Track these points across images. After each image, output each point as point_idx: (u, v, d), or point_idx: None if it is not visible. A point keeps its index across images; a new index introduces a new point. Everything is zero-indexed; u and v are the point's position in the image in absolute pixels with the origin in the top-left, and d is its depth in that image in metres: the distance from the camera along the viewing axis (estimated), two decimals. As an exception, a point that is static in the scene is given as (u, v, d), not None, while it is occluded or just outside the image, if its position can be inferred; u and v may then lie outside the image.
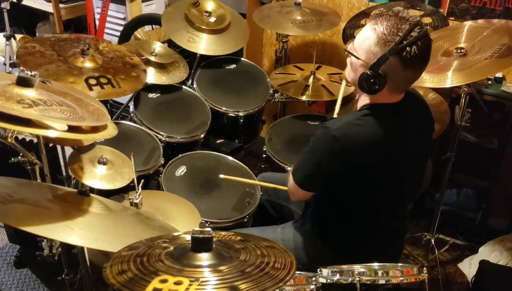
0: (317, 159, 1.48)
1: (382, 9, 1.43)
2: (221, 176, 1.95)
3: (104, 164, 1.66)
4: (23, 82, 1.24)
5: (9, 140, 1.44)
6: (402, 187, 1.58)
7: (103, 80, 1.90)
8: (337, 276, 1.38)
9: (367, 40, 1.40)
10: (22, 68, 1.26)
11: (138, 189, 1.66)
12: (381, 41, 1.36)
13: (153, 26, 3.30)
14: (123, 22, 3.29)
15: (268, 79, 2.66)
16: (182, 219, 1.77)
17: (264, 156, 2.37)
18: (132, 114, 2.33)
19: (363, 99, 1.51)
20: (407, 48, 1.33)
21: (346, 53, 1.51)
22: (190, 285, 0.88)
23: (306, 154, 1.53)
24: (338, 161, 1.43)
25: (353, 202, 1.55)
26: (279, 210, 2.00)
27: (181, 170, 2.14)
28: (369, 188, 1.50)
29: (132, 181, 1.68)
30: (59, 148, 2.35)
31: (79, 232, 1.17)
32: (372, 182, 1.49)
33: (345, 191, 1.52)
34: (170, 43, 2.76)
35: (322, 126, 1.49)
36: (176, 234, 1.21)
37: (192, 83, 2.58)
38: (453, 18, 2.52)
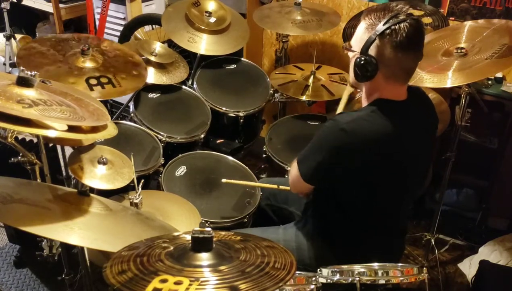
0: (324, 151, 1.47)
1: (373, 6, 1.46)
2: (223, 180, 1.96)
3: (104, 164, 1.66)
4: (23, 82, 1.24)
5: (9, 140, 1.44)
6: (405, 185, 1.58)
7: (103, 80, 1.90)
8: (337, 276, 1.38)
9: (358, 33, 1.45)
10: (22, 68, 1.26)
11: (138, 189, 1.66)
12: (369, 27, 1.40)
13: (153, 26, 3.30)
14: (123, 22, 3.29)
15: (268, 79, 2.66)
16: (182, 219, 1.77)
17: (264, 156, 2.37)
18: (132, 114, 2.33)
19: (366, 96, 1.52)
20: (393, 26, 1.35)
21: (344, 51, 1.53)
22: (190, 285, 0.88)
23: (312, 146, 1.52)
24: (344, 154, 1.43)
25: (356, 200, 1.54)
26: (279, 213, 2.00)
27: (181, 170, 2.14)
28: (373, 186, 1.50)
29: (132, 181, 1.68)
30: (59, 148, 2.35)
31: (79, 232, 1.17)
32: (376, 179, 1.49)
33: (348, 187, 1.52)
34: (170, 43, 2.76)
35: (331, 118, 1.49)
36: (176, 234, 1.21)
37: (192, 83, 2.58)
38: (453, 18, 2.52)
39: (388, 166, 1.47)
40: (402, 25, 1.35)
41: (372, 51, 1.39)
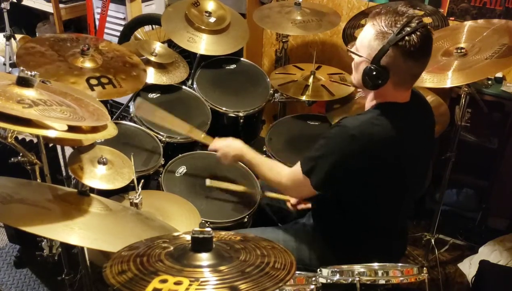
0: (336, 159, 1.45)
1: (381, 7, 1.45)
2: (207, 182, 1.98)
3: (104, 164, 1.66)
4: (23, 82, 1.24)
5: (9, 140, 1.44)
6: (405, 186, 1.58)
7: (104, 80, 1.90)
8: (337, 276, 1.38)
9: (366, 37, 1.42)
10: (22, 68, 1.26)
11: (138, 189, 1.66)
12: (380, 35, 1.38)
13: (153, 26, 3.30)
14: (123, 22, 3.29)
15: (268, 79, 2.66)
16: (182, 219, 1.77)
17: (264, 156, 2.37)
18: (132, 114, 2.33)
19: (371, 99, 1.51)
20: (406, 37, 1.34)
21: (349, 54, 1.51)
22: (190, 285, 0.88)
23: (321, 154, 1.49)
24: (356, 160, 1.43)
25: (356, 201, 1.55)
26: (279, 213, 2.01)
27: (181, 170, 2.14)
28: (374, 186, 1.50)
29: (132, 181, 1.68)
30: (59, 148, 2.35)
31: (79, 232, 1.17)
32: (377, 180, 1.49)
33: (350, 188, 1.51)
34: (170, 43, 2.76)
35: (337, 125, 1.47)
36: (176, 234, 1.21)
37: (192, 83, 2.58)
38: (453, 18, 2.52)
39: (390, 167, 1.48)
40: (415, 35, 1.34)
41: (383, 60, 1.38)
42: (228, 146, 1.87)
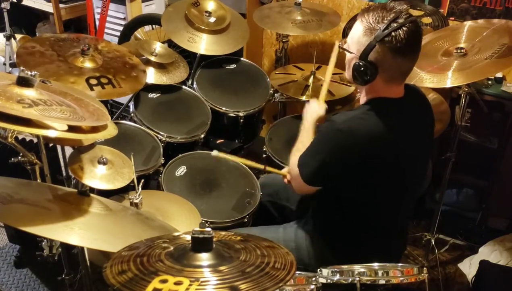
0: (323, 153, 1.48)
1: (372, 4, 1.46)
2: (214, 153, 1.80)
3: (104, 164, 1.66)
4: (23, 82, 1.24)
5: (9, 140, 1.44)
6: (404, 185, 1.58)
7: (103, 80, 1.90)
8: (337, 276, 1.38)
9: (356, 34, 1.44)
10: (22, 68, 1.26)
11: (138, 189, 1.66)
12: (368, 31, 1.39)
13: (153, 26, 3.30)
14: (123, 22, 3.29)
15: (268, 79, 2.66)
16: (182, 219, 1.77)
17: (264, 156, 2.37)
18: (132, 114, 2.33)
19: (364, 95, 1.53)
20: (392, 33, 1.35)
21: (340, 50, 1.53)
22: (190, 285, 0.88)
23: (312, 149, 1.53)
24: (342, 153, 1.44)
25: (355, 200, 1.55)
26: (281, 210, 2.01)
27: (181, 170, 2.14)
28: (372, 185, 1.50)
29: (132, 181, 1.68)
30: (59, 148, 2.35)
31: (79, 232, 1.17)
32: (375, 180, 1.49)
33: (348, 187, 1.52)
34: (170, 43, 2.77)
35: (327, 120, 1.50)
36: (176, 234, 1.21)
37: (192, 83, 2.58)
38: (453, 18, 2.52)
39: (386, 164, 1.48)
40: (401, 31, 1.35)
41: (371, 56, 1.39)
42: (310, 107, 1.85)
